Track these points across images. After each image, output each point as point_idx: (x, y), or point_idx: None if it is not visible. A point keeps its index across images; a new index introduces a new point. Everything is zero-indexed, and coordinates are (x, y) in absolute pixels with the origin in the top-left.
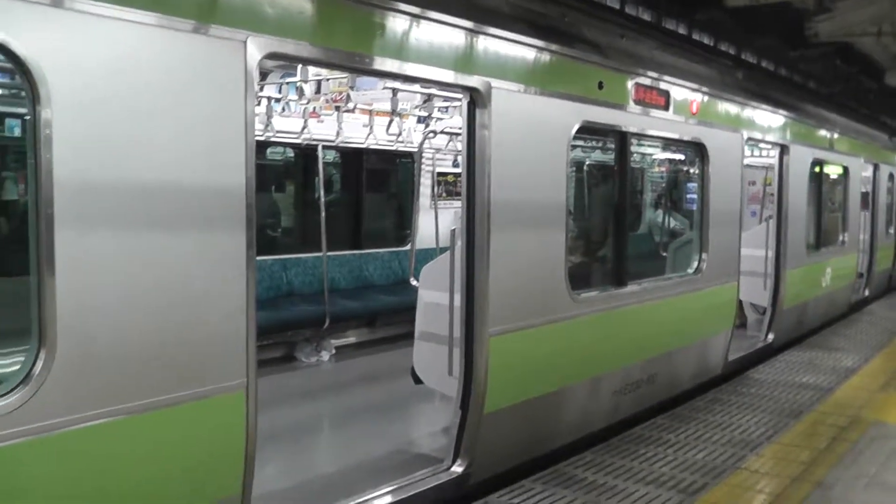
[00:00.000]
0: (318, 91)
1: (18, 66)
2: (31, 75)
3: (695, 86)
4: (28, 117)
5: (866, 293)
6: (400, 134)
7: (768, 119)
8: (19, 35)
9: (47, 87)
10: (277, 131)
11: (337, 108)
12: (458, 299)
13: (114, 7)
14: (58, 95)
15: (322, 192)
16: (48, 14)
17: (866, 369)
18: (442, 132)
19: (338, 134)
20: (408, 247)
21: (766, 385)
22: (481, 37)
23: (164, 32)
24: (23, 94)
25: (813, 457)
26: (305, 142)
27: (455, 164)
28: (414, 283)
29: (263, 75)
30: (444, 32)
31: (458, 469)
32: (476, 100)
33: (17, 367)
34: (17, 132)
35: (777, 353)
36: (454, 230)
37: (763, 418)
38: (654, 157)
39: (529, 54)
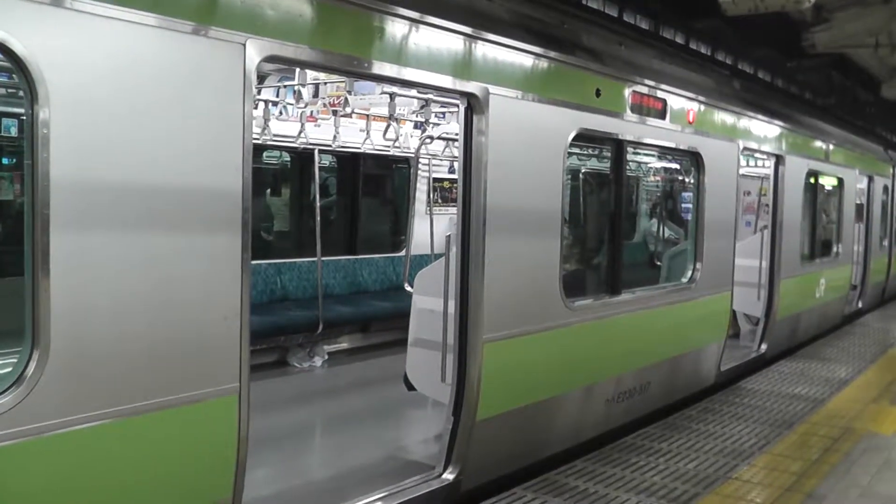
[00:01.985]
0: (315, 95)
1: (17, 64)
2: (29, 74)
3: (692, 95)
4: (25, 117)
5: (860, 305)
6: (397, 139)
7: (764, 129)
8: (19, 34)
9: (45, 87)
10: (274, 135)
11: (334, 113)
12: (452, 306)
13: (114, 7)
14: (56, 95)
15: (317, 197)
16: (48, 13)
17: (859, 381)
18: (439, 138)
19: (335, 138)
20: (402, 252)
21: (759, 395)
22: (480, 43)
23: (163, 33)
24: (20, 93)
25: (805, 467)
26: (302, 146)
27: (451, 171)
28: (408, 288)
29: (261, 78)
30: (442, 38)
31: (449, 476)
32: (473, 106)
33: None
34: (14, 132)
35: (770, 363)
36: (449, 236)
37: (755, 428)
38: (650, 165)
39: (527, 61)
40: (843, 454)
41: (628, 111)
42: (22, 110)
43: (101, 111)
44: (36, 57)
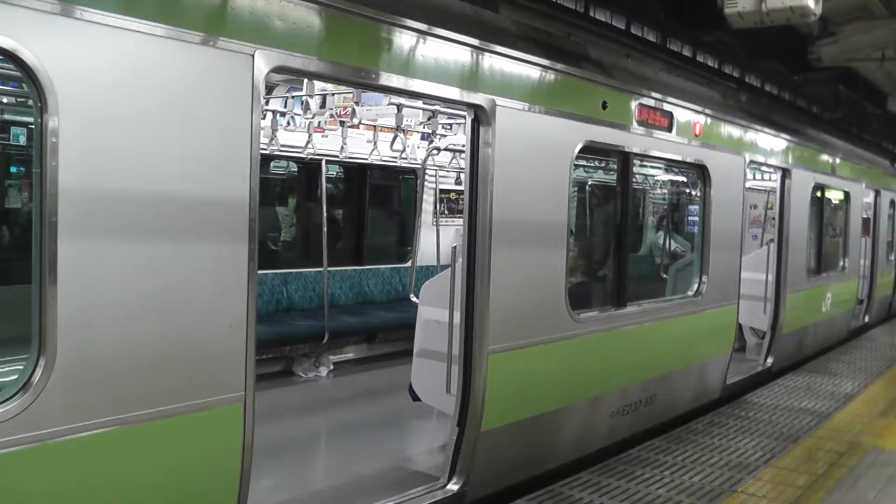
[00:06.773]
0: (323, 106)
1: (27, 74)
2: (39, 84)
3: (698, 108)
4: (34, 125)
5: (866, 319)
6: (404, 150)
7: (770, 143)
8: (29, 43)
9: (55, 96)
10: (282, 145)
11: (342, 124)
12: (457, 317)
13: (123, 18)
14: (65, 104)
15: (324, 207)
16: (58, 23)
17: (865, 395)
18: (445, 149)
19: (342, 149)
20: (408, 263)
21: (765, 409)
22: (486, 55)
23: (172, 44)
24: (29, 102)
25: (810, 482)
26: (309, 156)
27: (458, 182)
28: (414, 299)
29: (269, 89)
30: (449, 50)
31: (453, 487)
32: (480, 117)
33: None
34: (22, 140)
35: (776, 377)
36: (455, 247)
37: (761, 442)
38: (656, 178)
39: (534, 73)
40: (848, 469)
41: (635, 124)
42: (30, 119)
43: (110, 120)
44: (45, 66)
